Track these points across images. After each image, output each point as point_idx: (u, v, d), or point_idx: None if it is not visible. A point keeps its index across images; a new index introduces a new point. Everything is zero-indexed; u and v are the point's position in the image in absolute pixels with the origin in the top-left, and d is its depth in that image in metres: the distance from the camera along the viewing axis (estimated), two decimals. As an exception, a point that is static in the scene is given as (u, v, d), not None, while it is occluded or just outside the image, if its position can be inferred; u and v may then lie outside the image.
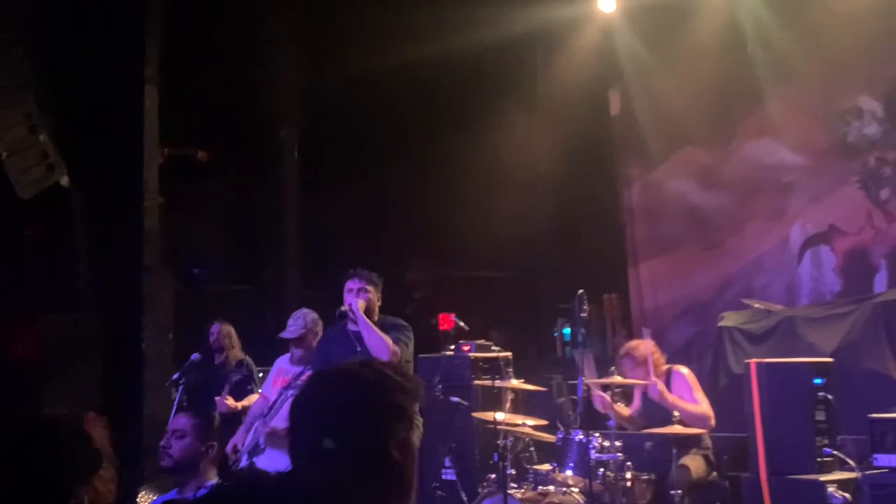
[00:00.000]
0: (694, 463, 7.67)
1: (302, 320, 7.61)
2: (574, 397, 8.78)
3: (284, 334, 7.58)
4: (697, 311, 11.43)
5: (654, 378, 7.83)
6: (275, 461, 6.78)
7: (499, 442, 7.49)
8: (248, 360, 8.80)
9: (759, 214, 11.22)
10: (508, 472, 7.42)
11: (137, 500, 7.41)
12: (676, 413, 7.49)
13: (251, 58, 11.58)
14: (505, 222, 12.10)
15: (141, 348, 9.47)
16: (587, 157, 12.43)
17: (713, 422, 7.82)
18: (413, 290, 12.33)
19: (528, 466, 7.78)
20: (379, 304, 7.06)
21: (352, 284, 6.97)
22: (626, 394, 8.31)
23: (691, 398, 7.86)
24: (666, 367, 8.11)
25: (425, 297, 12.11)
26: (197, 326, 9.29)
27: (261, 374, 8.65)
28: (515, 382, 8.30)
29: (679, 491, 7.27)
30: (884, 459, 7.10)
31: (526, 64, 12.62)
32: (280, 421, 7.08)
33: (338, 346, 6.94)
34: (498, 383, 8.13)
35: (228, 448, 7.12)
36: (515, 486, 7.45)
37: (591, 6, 11.75)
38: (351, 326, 6.95)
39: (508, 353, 9.31)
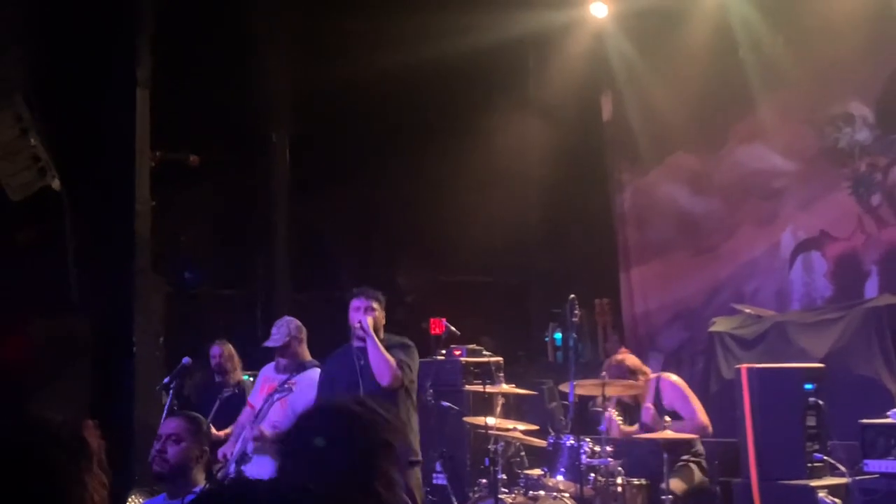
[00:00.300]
0: (686, 470, 7.68)
1: (285, 328, 7.58)
2: (565, 402, 8.77)
3: (268, 343, 7.54)
4: (688, 316, 11.44)
5: (646, 400, 7.87)
6: (262, 469, 6.76)
7: (490, 447, 7.49)
8: (246, 382, 8.76)
9: (750, 219, 11.24)
10: (499, 476, 7.43)
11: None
12: (668, 418, 7.48)
13: (242, 62, 11.57)
14: (496, 227, 12.10)
15: (131, 352, 9.44)
16: (579, 162, 12.44)
17: (710, 429, 7.82)
18: (404, 295, 12.31)
19: (519, 471, 7.79)
20: (384, 322, 7.07)
21: (358, 303, 7.00)
22: (627, 409, 8.29)
23: (685, 407, 7.86)
24: (653, 375, 8.11)
25: (416, 301, 12.09)
26: (188, 330, 9.28)
27: (251, 379, 8.62)
28: (506, 387, 8.30)
29: (670, 496, 7.27)
30: (874, 465, 7.10)
31: (518, 68, 12.63)
32: (267, 424, 7.06)
33: (341, 365, 6.98)
34: (489, 388, 8.13)
35: (218, 456, 7.10)
36: (506, 490, 7.45)
37: (584, 11, 11.77)
38: (356, 343, 6.97)
39: (500, 358, 9.32)
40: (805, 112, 10.81)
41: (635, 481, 7.46)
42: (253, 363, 8.72)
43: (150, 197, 9.89)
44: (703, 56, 11.05)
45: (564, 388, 7.94)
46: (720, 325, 9.97)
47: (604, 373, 7.89)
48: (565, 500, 7.28)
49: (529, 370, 11.19)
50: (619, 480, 7.37)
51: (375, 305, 7.00)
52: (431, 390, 8.62)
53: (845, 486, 7.21)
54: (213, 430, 7.93)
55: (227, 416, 8.21)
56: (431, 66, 11.21)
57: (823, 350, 8.84)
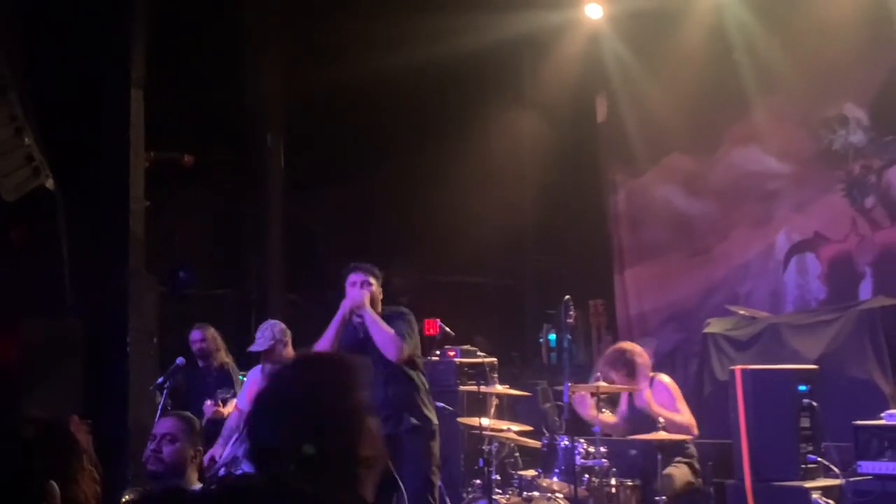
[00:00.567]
0: (678, 471, 7.69)
1: (269, 332, 7.56)
2: (559, 403, 8.77)
3: (253, 347, 7.53)
4: (683, 317, 11.45)
5: (642, 384, 7.85)
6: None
7: (484, 447, 7.49)
8: (230, 363, 8.74)
9: (744, 221, 11.26)
10: (493, 477, 7.42)
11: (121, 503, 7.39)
12: (661, 419, 7.49)
13: (237, 62, 11.56)
14: (491, 228, 12.11)
15: (125, 352, 9.42)
16: (573, 163, 12.45)
17: (696, 430, 7.84)
18: (399, 296, 12.30)
19: (513, 472, 7.79)
20: (381, 297, 7.08)
21: (354, 278, 7.02)
22: (612, 399, 8.30)
23: (673, 408, 7.87)
24: (650, 375, 8.13)
25: (411, 302, 12.07)
26: (181, 330, 9.26)
27: (242, 378, 8.61)
28: (500, 388, 8.30)
29: (664, 497, 7.27)
30: (868, 466, 7.11)
31: (513, 70, 12.63)
32: None
33: (345, 341, 6.96)
34: (483, 389, 8.12)
35: (205, 460, 7.08)
36: (500, 491, 7.45)
37: (578, 13, 11.78)
38: (355, 319, 6.97)
39: (494, 359, 9.32)
40: (799, 114, 10.83)
41: (629, 482, 7.46)
42: (246, 364, 8.71)
43: (145, 197, 9.87)
44: (698, 58, 11.06)
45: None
46: (714, 326, 9.98)
47: (598, 373, 7.89)
48: (559, 500, 7.28)
49: (524, 371, 11.20)
50: (612, 481, 7.37)
51: (372, 280, 7.02)
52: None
53: (839, 487, 7.21)
54: (219, 408, 7.94)
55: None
56: (426, 67, 11.21)
57: (817, 352, 8.85)
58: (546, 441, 7.72)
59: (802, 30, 10.52)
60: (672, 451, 7.73)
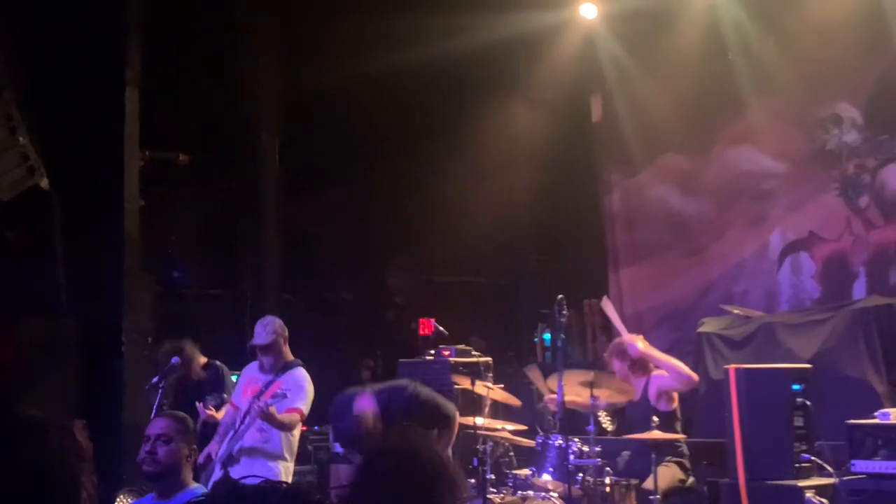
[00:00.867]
0: (669, 470, 7.70)
1: (270, 326, 7.50)
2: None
3: (255, 341, 7.47)
4: (677, 316, 11.46)
5: (634, 337, 7.93)
6: (248, 470, 6.73)
7: (478, 447, 7.50)
8: (218, 364, 8.66)
9: (739, 221, 11.28)
10: (488, 476, 7.43)
11: (115, 503, 7.40)
12: (655, 419, 7.50)
13: (232, 62, 11.57)
14: (486, 227, 12.12)
15: (120, 351, 9.42)
16: (569, 163, 12.47)
17: (696, 378, 7.86)
18: (394, 295, 12.33)
19: (508, 471, 7.80)
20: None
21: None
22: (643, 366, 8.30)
23: (663, 366, 7.95)
24: (651, 372, 8.14)
25: (406, 302, 12.10)
26: (176, 330, 9.25)
27: (235, 378, 8.59)
28: (489, 385, 8.30)
29: (657, 496, 7.29)
30: (861, 465, 7.12)
31: (508, 70, 12.64)
32: (255, 429, 7.02)
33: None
34: (475, 386, 8.11)
35: (202, 458, 7.07)
36: (495, 490, 7.46)
37: (574, 13, 11.79)
38: None
39: (488, 358, 9.33)
40: (794, 114, 10.86)
41: (623, 481, 7.47)
42: (239, 364, 8.69)
43: (140, 196, 9.88)
44: (693, 58, 11.08)
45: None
46: (709, 325, 10.00)
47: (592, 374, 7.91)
48: (553, 499, 7.29)
49: (518, 371, 11.19)
50: (606, 480, 7.39)
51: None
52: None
53: (832, 486, 7.22)
54: (211, 412, 7.92)
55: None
56: (422, 67, 11.22)
57: (811, 351, 8.87)
58: (540, 440, 7.73)
59: (797, 30, 10.54)
60: (664, 450, 7.75)
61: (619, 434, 8.20)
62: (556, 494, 7.33)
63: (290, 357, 7.40)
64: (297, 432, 7.25)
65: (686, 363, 10.36)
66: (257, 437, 7.04)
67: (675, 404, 8.05)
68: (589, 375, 7.75)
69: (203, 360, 8.68)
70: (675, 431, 7.89)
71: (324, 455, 10.62)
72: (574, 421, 8.14)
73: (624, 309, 12.04)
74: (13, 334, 9.19)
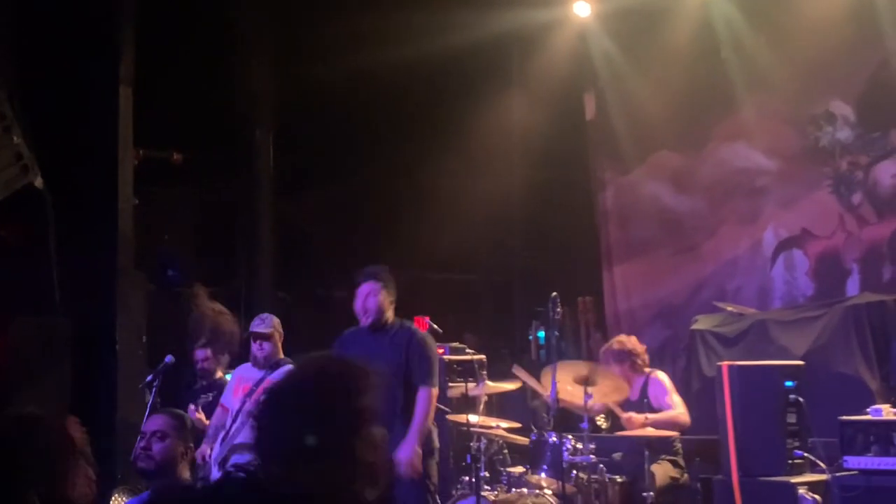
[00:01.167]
0: (662, 468, 7.72)
1: (269, 320, 7.54)
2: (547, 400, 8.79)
3: (255, 327, 7.49)
4: (671, 314, 11.48)
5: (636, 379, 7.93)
6: None
7: (472, 444, 7.50)
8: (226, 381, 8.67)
9: (732, 218, 11.29)
10: (482, 474, 7.44)
11: (111, 502, 7.39)
12: (648, 416, 7.51)
13: (226, 60, 11.56)
14: (479, 225, 12.13)
15: (114, 350, 9.43)
16: (562, 161, 12.48)
17: (687, 421, 7.85)
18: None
19: (502, 469, 7.80)
20: (392, 301, 7.14)
21: (360, 290, 7.05)
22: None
23: (665, 402, 7.90)
24: (647, 371, 8.15)
25: (400, 299, 12.08)
26: (170, 328, 9.27)
27: (227, 376, 8.59)
28: (490, 384, 8.32)
29: (651, 493, 7.31)
30: (853, 461, 7.15)
31: (501, 67, 12.64)
32: (244, 435, 7.01)
33: (353, 347, 6.98)
34: (471, 391, 8.12)
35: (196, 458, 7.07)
36: (489, 488, 7.47)
37: (566, 10, 11.80)
38: (364, 322, 7.05)
39: (482, 356, 9.34)
40: (787, 111, 10.88)
41: (617, 478, 7.49)
42: (234, 362, 8.71)
43: (133, 195, 9.88)
44: (686, 55, 11.10)
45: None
46: (702, 322, 10.01)
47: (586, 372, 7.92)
48: (547, 497, 7.30)
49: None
50: (600, 478, 7.40)
51: (377, 287, 7.05)
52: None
53: (825, 482, 7.25)
54: (200, 416, 7.93)
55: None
56: (415, 64, 11.22)
57: (804, 348, 8.88)
58: (534, 437, 7.75)
59: (789, 27, 10.56)
60: (659, 447, 7.76)
61: (614, 431, 8.20)
62: (550, 492, 7.34)
63: (282, 355, 7.43)
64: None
65: (679, 361, 10.45)
66: (251, 434, 7.03)
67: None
68: (583, 370, 7.76)
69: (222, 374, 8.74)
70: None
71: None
72: (568, 418, 8.15)
73: (617, 306, 12.07)
74: (6, 333, 9.19)
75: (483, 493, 7.27)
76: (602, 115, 12.36)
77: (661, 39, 11.25)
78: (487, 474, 7.60)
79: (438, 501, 7.12)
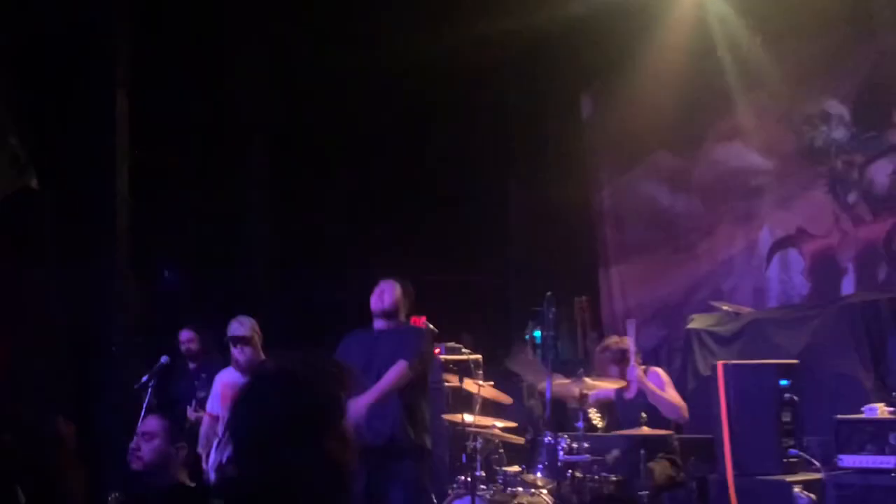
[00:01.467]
0: (659, 466, 7.73)
1: (248, 322, 7.50)
2: (543, 399, 8.80)
3: (233, 331, 7.46)
4: (667, 313, 11.49)
5: (633, 363, 7.91)
6: None
7: (468, 443, 7.52)
8: (216, 358, 8.67)
9: (728, 218, 11.31)
10: (478, 473, 7.45)
11: (108, 502, 7.40)
12: (644, 415, 7.53)
13: (221, 62, 11.57)
14: (476, 225, 12.15)
15: (110, 351, 9.44)
16: (558, 161, 12.49)
17: (686, 414, 7.87)
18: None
19: (498, 468, 7.81)
20: (407, 309, 7.23)
21: (380, 286, 7.25)
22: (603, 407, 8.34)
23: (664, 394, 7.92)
24: (643, 367, 8.17)
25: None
26: (167, 329, 9.28)
27: None
28: (485, 385, 8.33)
29: (647, 492, 7.32)
30: (848, 460, 7.18)
31: (498, 68, 12.65)
32: None
33: (357, 346, 7.06)
34: (467, 385, 8.13)
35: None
36: (484, 487, 7.48)
37: (563, 10, 11.79)
38: (378, 325, 7.11)
39: (478, 356, 9.35)
40: (782, 111, 10.90)
41: (612, 477, 7.50)
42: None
43: (130, 196, 9.90)
44: (682, 55, 11.11)
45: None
46: (697, 322, 10.04)
47: (581, 370, 7.93)
48: (543, 496, 7.31)
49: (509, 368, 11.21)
50: (596, 477, 7.41)
51: (398, 287, 7.20)
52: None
53: (820, 481, 7.28)
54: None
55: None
56: (410, 66, 11.24)
57: (799, 347, 8.90)
58: (530, 437, 7.76)
59: (784, 27, 10.57)
60: (655, 446, 7.78)
61: (609, 430, 8.22)
62: (545, 491, 7.35)
63: (262, 356, 7.41)
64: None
65: (675, 360, 10.47)
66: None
67: None
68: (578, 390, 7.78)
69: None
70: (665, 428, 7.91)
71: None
72: (564, 417, 8.17)
73: (614, 306, 12.09)
74: (3, 335, 9.20)
75: (479, 493, 7.29)
76: (598, 116, 12.38)
77: (657, 39, 11.26)
78: (483, 473, 7.60)
79: (434, 502, 7.14)
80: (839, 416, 7.45)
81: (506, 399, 8.41)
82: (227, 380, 7.51)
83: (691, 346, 9.78)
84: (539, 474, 7.49)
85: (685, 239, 11.62)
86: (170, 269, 11.14)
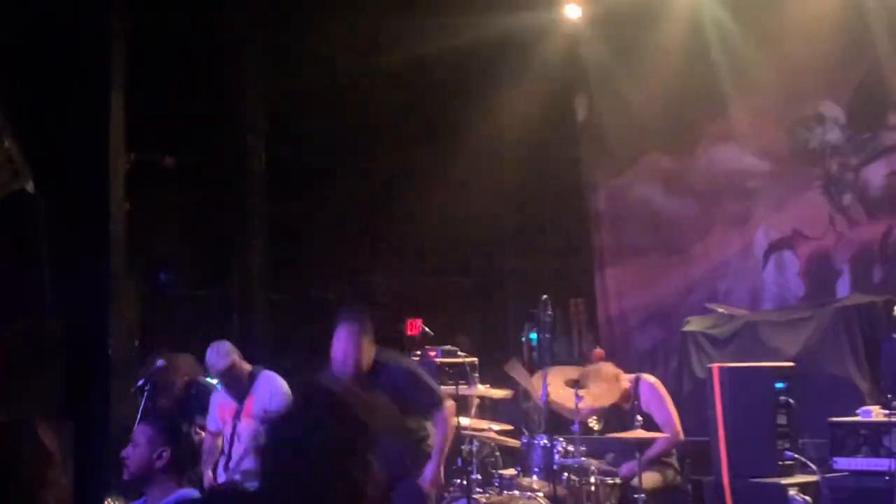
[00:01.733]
0: (656, 469, 7.74)
1: (223, 348, 7.27)
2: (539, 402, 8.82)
3: (216, 368, 7.24)
4: (663, 316, 11.50)
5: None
6: None
7: (464, 447, 7.53)
8: (205, 383, 8.56)
9: (723, 220, 11.33)
10: (473, 476, 7.46)
11: (103, 506, 7.39)
12: (639, 417, 7.54)
13: (218, 63, 11.55)
14: (472, 227, 12.15)
15: (106, 354, 9.43)
16: (554, 163, 12.50)
17: (681, 437, 7.87)
18: (381, 295, 12.33)
19: (494, 471, 7.83)
20: (371, 349, 6.76)
21: (339, 334, 6.68)
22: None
23: (661, 412, 7.89)
24: (633, 375, 8.16)
25: (393, 302, 12.11)
26: (163, 332, 9.27)
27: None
28: (482, 388, 8.34)
29: (643, 495, 7.33)
30: (843, 463, 7.21)
31: (493, 70, 12.65)
32: (249, 461, 6.99)
33: None
34: (463, 390, 8.14)
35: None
36: (480, 490, 7.49)
37: (557, 13, 11.80)
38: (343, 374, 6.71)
39: (474, 359, 9.36)
40: (777, 113, 10.91)
41: (608, 480, 7.52)
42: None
43: (126, 199, 9.89)
44: (677, 57, 11.11)
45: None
46: (693, 324, 10.05)
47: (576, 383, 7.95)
48: (539, 499, 7.33)
49: (505, 371, 11.22)
50: (592, 479, 7.43)
51: (358, 329, 6.70)
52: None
53: (815, 483, 7.29)
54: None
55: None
56: (406, 69, 11.24)
57: (795, 349, 8.92)
58: (525, 440, 7.77)
59: (779, 29, 10.59)
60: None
61: (605, 433, 8.23)
62: (541, 494, 7.37)
63: (248, 368, 7.35)
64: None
65: (671, 362, 10.49)
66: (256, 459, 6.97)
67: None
68: (574, 374, 7.79)
69: (186, 377, 8.66)
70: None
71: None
72: (559, 421, 8.17)
73: (609, 308, 12.10)
74: (-1, 337, 9.20)
75: (475, 496, 7.30)
76: (593, 118, 12.38)
77: (652, 41, 11.26)
78: (479, 476, 7.62)
79: None
80: (834, 419, 7.48)
81: (505, 394, 8.40)
82: (220, 400, 7.47)
83: (687, 348, 9.80)
84: (535, 477, 7.51)
85: (680, 241, 11.63)
86: (166, 272, 11.12)
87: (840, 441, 7.29)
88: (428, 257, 12.29)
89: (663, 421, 7.82)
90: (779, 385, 7.64)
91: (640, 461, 7.42)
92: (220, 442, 7.32)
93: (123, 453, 4.80)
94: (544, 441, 7.54)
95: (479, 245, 12.47)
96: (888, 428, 7.12)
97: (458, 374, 8.84)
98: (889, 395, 7.38)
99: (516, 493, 7.43)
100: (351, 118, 11.87)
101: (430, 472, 6.70)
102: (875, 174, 10.32)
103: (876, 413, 7.40)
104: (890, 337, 8.04)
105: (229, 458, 7.11)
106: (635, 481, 7.40)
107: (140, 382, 7.79)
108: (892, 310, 8.07)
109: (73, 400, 9.17)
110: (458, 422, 7.56)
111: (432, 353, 9.44)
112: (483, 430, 7.77)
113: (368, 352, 6.73)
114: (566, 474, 7.42)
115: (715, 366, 7.94)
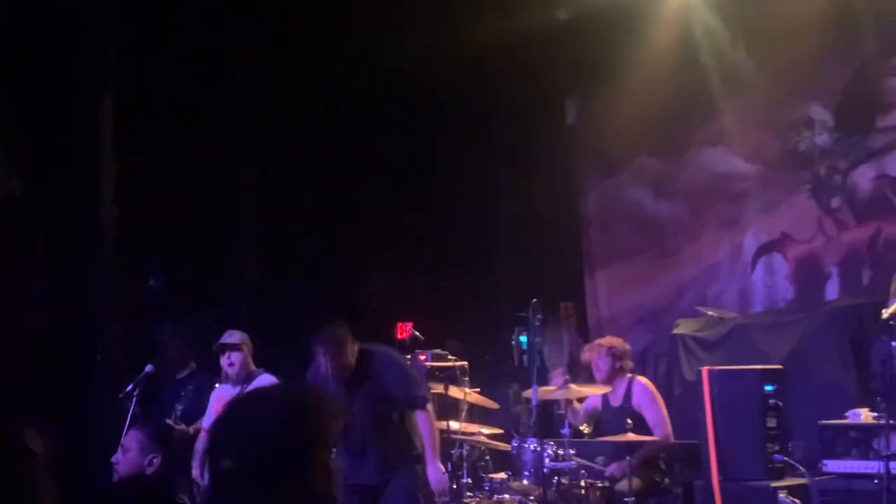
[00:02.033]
0: (644, 472, 7.75)
1: (238, 333, 7.55)
2: (529, 406, 8.82)
3: (224, 339, 7.47)
4: (653, 318, 11.52)
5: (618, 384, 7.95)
6: None
7: (453, 451, 7.53)
8: (202, 376, 8.59)
9: (713, 223, 11.36)
10: (464, 480, 7.47)
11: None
12: (630, 421, 7.55)
13: (210, 64, 11.53)
14: (462, 230, 12.15)
15: (95, 360, 9.41)
16: (544, 166, 12.50)
17: (671, 439, 7.88)
18: (372, 299, 12.32)
19: (484, 475, 7.83)
20: (354, 349, 6.73)
21: (326, 354, 6.63)
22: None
23: (653, 414, 7.90)
24: (629, 375, 8.17)
25: (384, 305, 12.10)
26: (152, 337, 9.25)
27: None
28: (468, 391, 8.34)
29: (633, 498, 7.34)
30: (833, 465, 7.23)
31: (484, 72, 12.65)
32: None
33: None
34: (452, 392, 8.15)
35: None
36: (471, 494, 7.50)
37: (546, 15, 11.80)
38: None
39: (464, 362, 9.37)
40: (766, 116, 10.95)
41: (598, 483, 7.52)
42: (218, 369, 8.68)
43: (116, 203, 9.87)
44: (667, 61, 11.14)
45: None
46: (683, 327, 10.07)
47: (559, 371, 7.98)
48: (529, 503, 7.33)
49: (495, 374, 11.22)
50: (582, 483, 7.43)
51: (342, 343, 6.67)
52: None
53: (805, 486, 7.31)
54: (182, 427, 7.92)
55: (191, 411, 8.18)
56: (400, 68, 11.23)
57: (784, 351, 8.95)
58: (516, 444, 7.77)
59: (767, 32, 10.62)
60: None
61: (595, 437, 8.24)
62: (531, 498, 7.37)
63: (254, 367, 7.44)
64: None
65: (661, 365, 10.51)
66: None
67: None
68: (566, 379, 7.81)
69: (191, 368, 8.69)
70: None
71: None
72: (550, 424, 8.18)
73: (599, 311, 12.11)
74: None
75: (465, 500, 7.30)
76: (583, 121, 12.40)
77: (642, 44, 11.29)
78: (470, 481, 7.62)
79: None
80: (823, 422, 7.50)
81: (492, 405, 8.42)
82: (220, 395, 7.50)
83: (677, 351, 9.82)
84: (525, 481, 7.51)
85: (670, 244, 11.66)
86: (155, 277, 11.10)
87: (830, 443, 7.32)
88: (419, 260, 12.28)
89: (655, 422, 7.83)
90: (768, 388, 7.65)
91: (631, 464, 7.43)
92: None
93: (113, 459, 4.81)
94: (534, 445, 7.54)
95: (471, 248, 12.47)
96: (877, 430, 7.14)
97: (449, 377, 8.84)
98: (878, 398, 7.40)
99: (507, 496, 7.44)
100: (345, 121, 11.86)
101: (433, 473, 6.69)
102: (863, 177, 10.36)
103: (865, 415, 7.43)
104: (879, 339, 8.06)
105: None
106: (624, 483, 7.41)
107: (129, 388, 7.78)
108: (881, 312, 8.09)
109: (62, 406, 9.13)
110: (448, 425, 7.58)
111: (422, 357, 9.44)
112: (473, 433, 7.77)
113: (350, 355, 6.71)
114: (556, 478, 7.42)
115: (705, 368, 7.95)
